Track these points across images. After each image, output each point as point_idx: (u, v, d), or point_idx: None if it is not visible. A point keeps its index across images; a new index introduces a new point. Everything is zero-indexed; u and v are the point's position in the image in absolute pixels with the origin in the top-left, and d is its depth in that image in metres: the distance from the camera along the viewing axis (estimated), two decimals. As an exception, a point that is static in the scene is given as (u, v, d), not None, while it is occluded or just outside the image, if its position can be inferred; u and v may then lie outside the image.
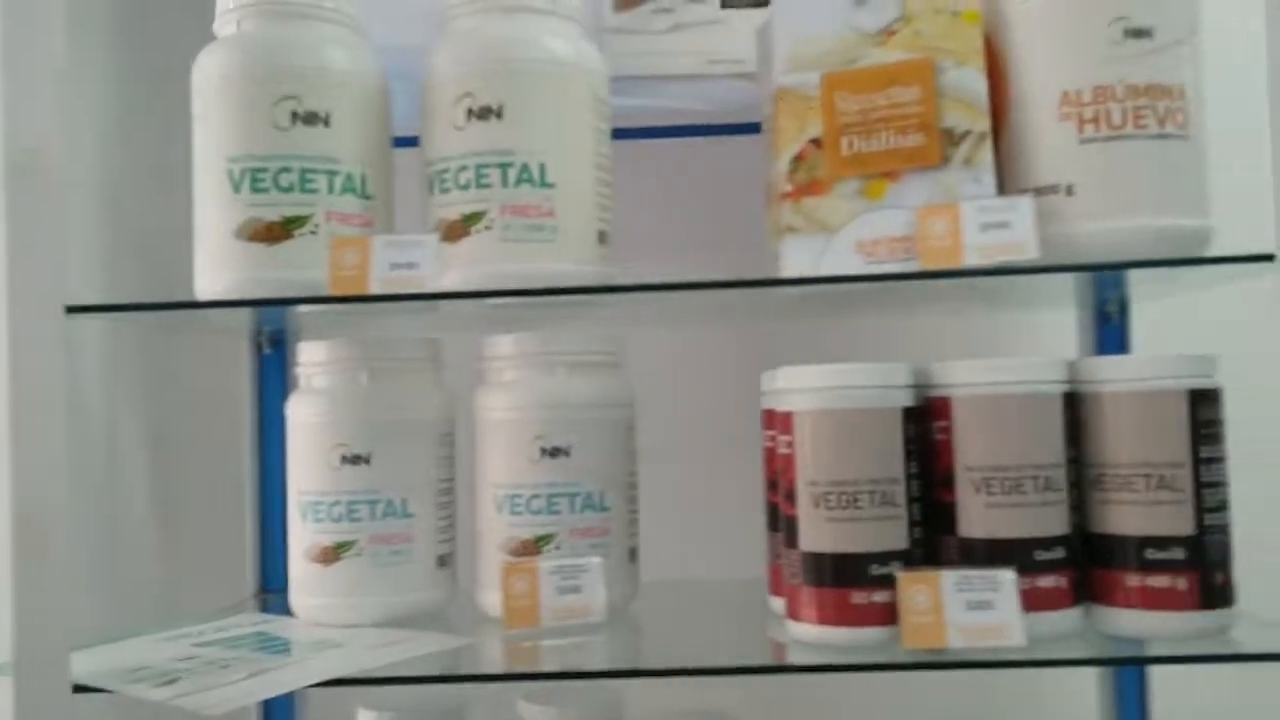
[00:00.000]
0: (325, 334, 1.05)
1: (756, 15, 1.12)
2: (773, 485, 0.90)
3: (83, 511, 1.10)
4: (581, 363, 0.97)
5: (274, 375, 1.16)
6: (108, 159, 1.23)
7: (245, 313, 0.98)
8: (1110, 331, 1.08)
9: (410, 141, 0.99)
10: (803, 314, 1.09)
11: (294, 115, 0.92)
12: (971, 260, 0.76)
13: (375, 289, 0.85)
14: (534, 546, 0.95)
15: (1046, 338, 1.15)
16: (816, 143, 0.85)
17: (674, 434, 1.11)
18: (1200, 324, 1.12)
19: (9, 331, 0.80)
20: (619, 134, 0.98)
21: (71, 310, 0.80)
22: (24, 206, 0.80)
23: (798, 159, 0.85)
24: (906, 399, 0.81)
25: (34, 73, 0.81)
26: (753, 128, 1.10)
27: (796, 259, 0.84)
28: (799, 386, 0.82)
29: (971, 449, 0.80)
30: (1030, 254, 0.75)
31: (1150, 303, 1.07)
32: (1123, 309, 1.07)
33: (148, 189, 1.21)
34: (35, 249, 0.80)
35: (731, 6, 1.16)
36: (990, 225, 0.76)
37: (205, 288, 0.94)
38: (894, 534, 0.79)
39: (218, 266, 0.92)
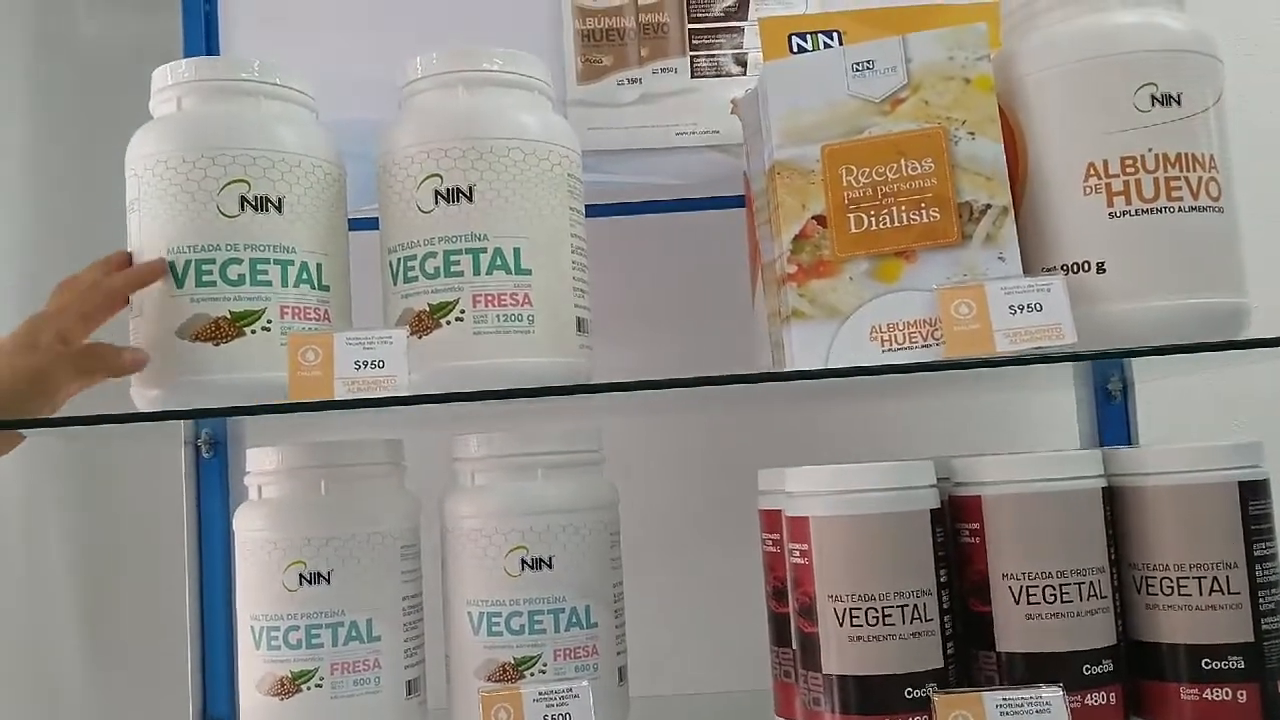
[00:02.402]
0: (272, 438, 0.95)
1: (733, 84, 1.07)
2: (778, 595, 0.82)
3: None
4: (561, 463, 0.89)
5: (214, 482, 1.05)
6: (25, 245, 1.13)
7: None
8: (1113, 411, 1.02)
9: (363, 224, 0.91)
10: (799, 402, 1.02)
11: (243, 201, 0.83)
12: (1003, 346, 0.69)
13: (340, 392, 0.76)
14: (515, 670, 0.85)
15: (1045, 419, 1.09)
16: (820, 220, 0.79)
17: (658, 534, 1.03)
18: (1198, 403, 1.08)
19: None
20: (590, 210, 0.91)
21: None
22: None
23: (800, 238, 0.79)
24: (933, 500, 0.74)
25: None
26: (727, 201, 1.05)
27: (805, 348, 0.76)
28: (813, 489, 0.75)
29: (1007, 554, 0.73)
30: (1068, 338, 0.69)
31: (1151, 382, 1.02)
32: (1125, 388, 1.01)
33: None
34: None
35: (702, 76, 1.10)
36: (1021, 307, 0.70)
37: (143, 392, 0.84)
38: (927, 652, 0.71)
39: (158, 368, 0.83)
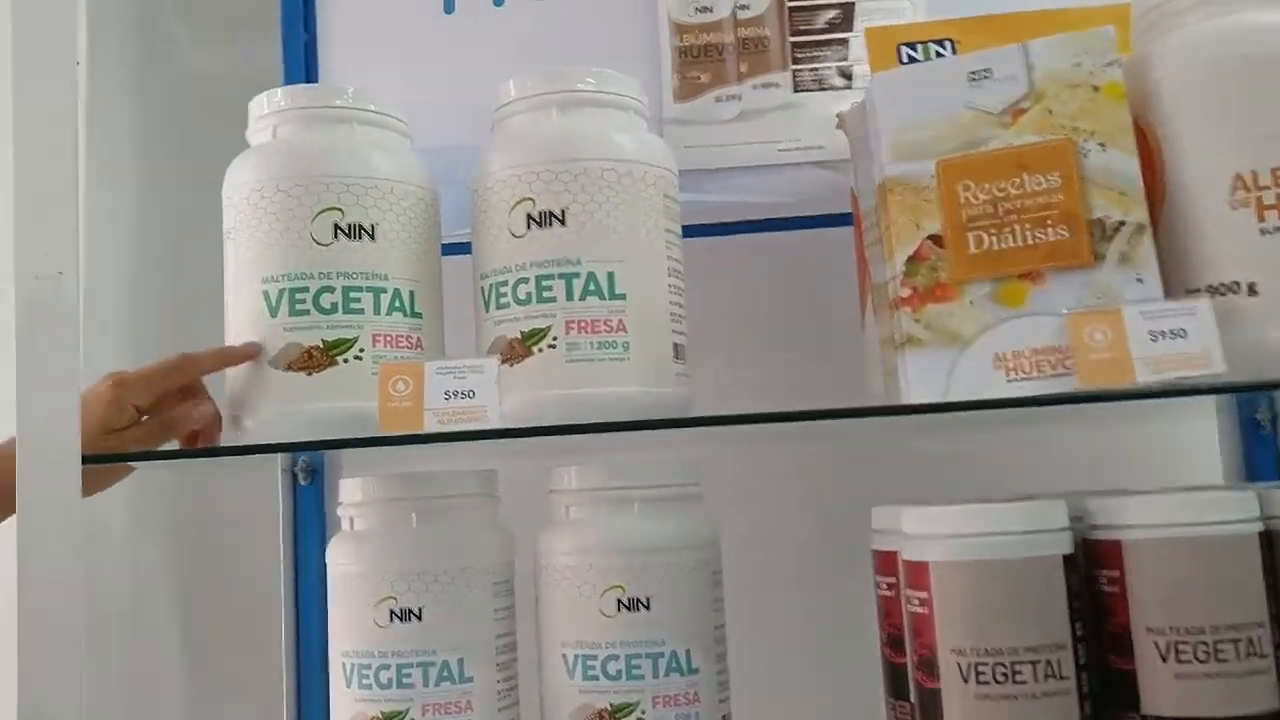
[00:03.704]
0: (370, 465, 0.93)
1: (838, 98, 1.02)
2: (895, 644, 0.77)
3: (103, 673, 0.98)
4: (659, 497, 0.84)
5: (311, 511, 1.04)
6: (130, 279, 1.13)
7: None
8: (1261, 443, 0.94)
9: (456, 249, 0.88)
10: (913, 432, 0.96)
11: (336, 228, 0.82)
12: (1144, 377, 0.63)
13: (430, 424, 0.73)
14: (612, 717, 0.81)
15: (1182, 450, 1.01)
16: (936, 240, 0.73)
17: (763, 573, 0.98)
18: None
19: (20, 483, 0.69)
20: (686, 230, 0.87)
21: (88, 461, 0.69)
22: (36, 343, 0.70)
23: (915, 259, 0.74)
24: (1066, 544, 0.68)
25: (49, 195, 0.70)
26: (833, 219, 1.01)
27: (922, 378, 0.71)
28: (933, 532, 0.69)
29: (1152, 606, 0.66)
30: (1217, 368, 0.62)
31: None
32: (1275, 419, 0.93)
33: (173, 313, 1.11)
34: (48, 394, 0.69)
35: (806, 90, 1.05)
36: (1163, 334, 0.63)
37: (240, 421, 0.83)
38: (1063, 712, 0.65)
39: (252, 398, 0.82)
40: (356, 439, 0.73)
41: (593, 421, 0.73)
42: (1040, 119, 0.72)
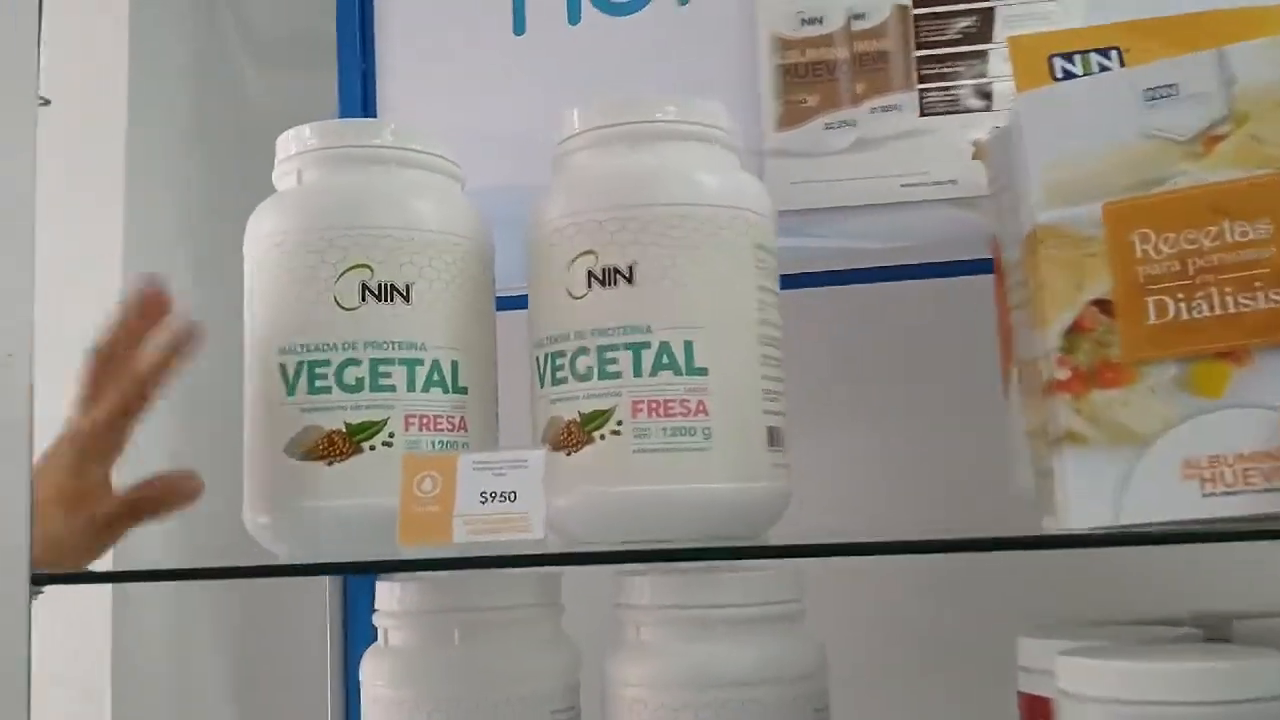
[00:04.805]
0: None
1: (975, 122, 0.85)
2: (1048, 820, 0.59)
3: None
4: (750, 618, 0.69)
5: (364, 604, 0.92)
6: (186, 311, 1.04)
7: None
8: None
9: (518, 302, 0.75)
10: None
11: (364, 289, 0.69)
12: None
13: (460, 533, 0.60)
14: None
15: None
16: (1103, 306, 0.57)
17: (879, 712, 0.81)
18: None
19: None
20: (786, 281, 0.72)
21: (37, 581, 0.57)
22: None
23: (1075, 330, 0.57)
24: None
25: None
26: (968, 266, 0.84)
27: (1086, 488, 0.54)
28: (1097, 693, 0.52)
29: None
30: None
31: None
32: None
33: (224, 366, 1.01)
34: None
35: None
36: None
37: (254, 518, 0.71)
38: None
39: (265, 493, 0.70)
40: (367, 563, 0.60)
41: (653, 544, 0.58)
42: (1243, 148, 0.55)
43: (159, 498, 0.66)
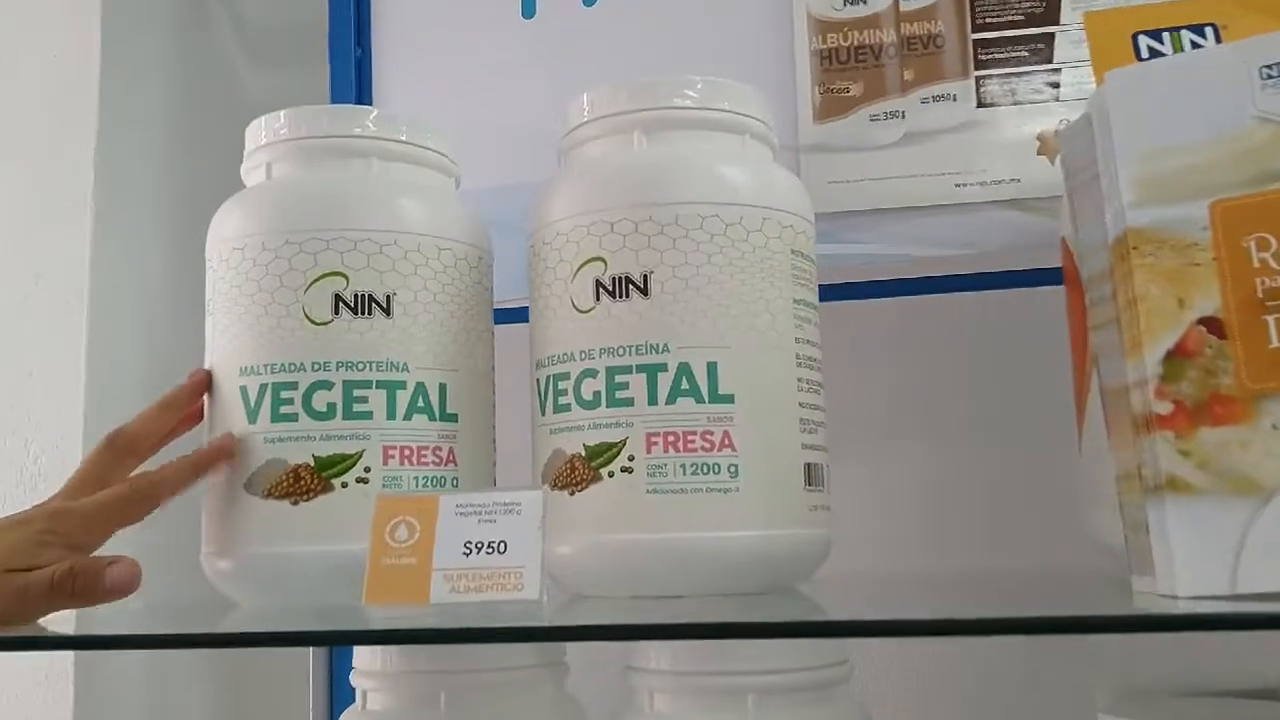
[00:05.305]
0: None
1: (1040, 112, 0.75)
2: None
3: None
4: (784, 686, 0.59)
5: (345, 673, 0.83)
6: (163, 318, 0.95)
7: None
8: None
9: (522, 315, 0.66)
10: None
11: (337, 301, 0.60)
12: None
13: (441, 593, 0.51)
14: None
15: None
16: (1212, 325, 0.47)
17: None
18: None
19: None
20: (825, 292, 0.63)
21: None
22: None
23: (1178, 354, 0.47)
24: None
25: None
26: (1032, 276, 0.76)
27: (1194, 548, 0.44)
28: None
29: None
30: None
31: None
32: None
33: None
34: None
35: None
36: None
37: (214, 562, 0.62)
38: None
39: (223, 534, 0.61)
40: (317, 633, 0.51)
41: (667, 623, 0.48)
42: (1397, 133, 0.45)
43: (92, 587, 0.56)
